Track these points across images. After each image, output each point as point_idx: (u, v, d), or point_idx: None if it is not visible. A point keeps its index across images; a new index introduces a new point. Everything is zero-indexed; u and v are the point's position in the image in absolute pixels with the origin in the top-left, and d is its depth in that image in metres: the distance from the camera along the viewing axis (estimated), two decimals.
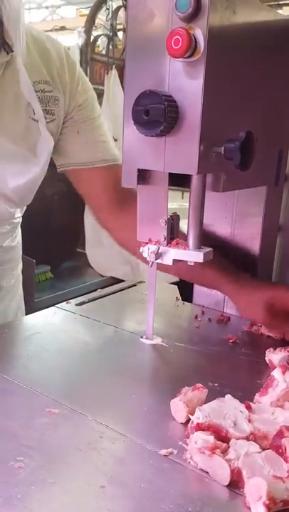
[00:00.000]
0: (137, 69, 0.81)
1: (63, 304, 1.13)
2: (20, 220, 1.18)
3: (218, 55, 0.76)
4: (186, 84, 0.76)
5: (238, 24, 0.81)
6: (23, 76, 0.94)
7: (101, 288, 1.29)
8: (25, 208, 1.15)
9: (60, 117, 1.05)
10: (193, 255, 0.88)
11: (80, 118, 1.08)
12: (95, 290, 1.27)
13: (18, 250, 1.25)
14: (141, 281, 1.34)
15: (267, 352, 0.87)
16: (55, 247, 2.77)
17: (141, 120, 0.76)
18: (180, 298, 1.25)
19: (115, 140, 3.29)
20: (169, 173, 0.85)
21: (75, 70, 1.06)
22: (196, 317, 1.12)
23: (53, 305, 1.12)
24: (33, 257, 2.35)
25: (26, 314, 1.25)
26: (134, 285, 1.32)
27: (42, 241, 2.43)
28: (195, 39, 0.73)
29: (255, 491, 0.54)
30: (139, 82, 0.79)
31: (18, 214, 1.14)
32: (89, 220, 3.05)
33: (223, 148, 0.78)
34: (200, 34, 0.73)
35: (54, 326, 1.03)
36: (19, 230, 1.22)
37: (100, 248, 2.98)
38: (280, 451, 0.60)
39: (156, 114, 0.75)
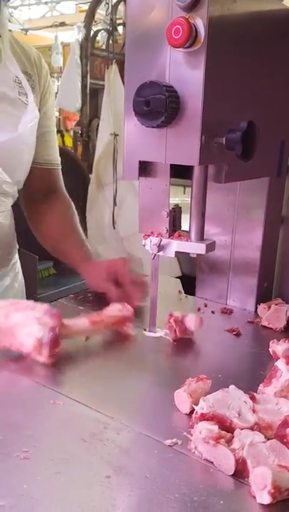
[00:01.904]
0: (137, 60, 0.80)
1: (66, 298, 1.13)
2: (12, 202, 1.20)
3: (219, 44, 0.75)
4: (187, 75, 0.75)
5: (238, 13, 0.80)
6: (9, 56, 1.05)
7: None
8: (16, 188, 1.16)
9: (37, 105, 1.14)
10: (196, 247, 0.87)
11: (41, 120, 1.16)
12: None
13: (11, 234, 1.27)
14: (144, 275, 1.34)
15: (271, 343, 0.87)
16: None
17: (142, 111, 0.76)
18: (183, 291, 1.25)
19: (116, 135, 3.30)
20: (171, 165, 0.84)
21: (47, 73, 1.20)
22: (198, 310, 1.12)
23: (55, 301, 1.13)
24: (36, 253, 2.35)
25: None
26: None
27: None
28: (195, 28, 0.72)
29: (260, 480, 0.54)
30: (140, 74, 0.79)
31: (11, 190, 1.14)
32: (91, 216, 3.05)
33: (224, 138, 0.78)
34: (200, 23, 0.72)
35: None
36: (11, 214, 1.24)
37: (102, 244, 2.97)
38: (285, 440, 0.60)
39: (157, 104, 0.75)
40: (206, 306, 1.15)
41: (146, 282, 1.08)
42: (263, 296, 1.13)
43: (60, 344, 0.83)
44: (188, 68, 0.75)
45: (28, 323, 0.82)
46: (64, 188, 1.32)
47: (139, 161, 0.84)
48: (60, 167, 1.30)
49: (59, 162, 1.28)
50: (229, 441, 0.60)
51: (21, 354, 0.82)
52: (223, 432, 0.61)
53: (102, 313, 0.94)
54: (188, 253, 0.90)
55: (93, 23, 3.40)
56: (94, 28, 3.45)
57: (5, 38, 1.05)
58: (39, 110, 1.16)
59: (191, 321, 0.93)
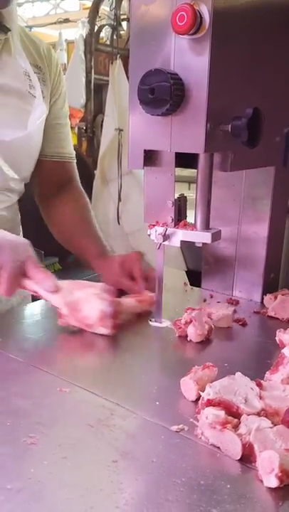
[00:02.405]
0: (142, 48, 0.80)
1: None
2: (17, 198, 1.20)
3: (224, 31, 0.75)
4: (192, 62, 0.75)
5: (243, 0, 0.80)
6: (19, 49, 1.04)
7: None
8: (23, 184, 1.16)
9: (48, 98, 1.13)
10: (201, 236, 0.87)
11: (52, 111, 1.16)
12: None
13: (17, 228, 1.27)
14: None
15: (277, 332, 0.87)
16: None
17: (146, 99, 0.76)
18: (188, 283, 1.25)
19: (121, 130, 3.30)
20: (176, 154, 0.84)
21: (58, 63, 1.18)
22: (204, 300, 1.12)
23: None
24: (41, 248, 2.35)
25: None
26: None
27: (50, 232, 2.44)
28: (200, 15, 0.72)
29: (268, 464, 0.54)
30: (145, 62, 0.79)
31: (17, 186, 1.14)
32: (96, 212, 3.05)
33: (230, 125, 0.78)
34: (205, 10, 0.72)
35: None
36: (17, 208, 1.24)
37: (107, 239, 2.97)
38: None
39: (162, 92, 0.74)
40: (211, 297, 1.15)
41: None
42: (269, 286, 1.13)
43: (120, 316, 0.92)
44: (193, 55, 0.75)
45: (90, 299, 0.90)
46: (79, 181, 1.30)
47: (144, 150, 0.84)
48: (75, 160, 1.27)
49: (73, 155, 1.26)
50: (236, 427, 0.60)
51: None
52: (230, 417, 0.61)
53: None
54: (193, 243, 0.90)
55: (97, 19, 3.39)
56: (98, 24, 3.45)
57: (14, 31, 1.04)
58: (50, 102, 1.15)
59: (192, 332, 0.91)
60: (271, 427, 0.59)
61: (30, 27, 7.41)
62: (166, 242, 0.89)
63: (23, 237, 1.31)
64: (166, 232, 0.88)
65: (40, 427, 0.62)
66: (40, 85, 1.10)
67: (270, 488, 0.53)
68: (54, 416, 0.65)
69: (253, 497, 0.52)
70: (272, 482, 0.53)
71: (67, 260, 2.89)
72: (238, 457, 0.58)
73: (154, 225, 0.90)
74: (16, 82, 1.04)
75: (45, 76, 1.13)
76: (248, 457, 0.57)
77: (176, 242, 0.89)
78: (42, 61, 1.13)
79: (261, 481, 0.54)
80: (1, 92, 1.01)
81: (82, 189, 1.32)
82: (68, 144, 1.25)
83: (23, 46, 1.09)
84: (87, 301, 0.90)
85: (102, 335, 0.89)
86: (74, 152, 1.27)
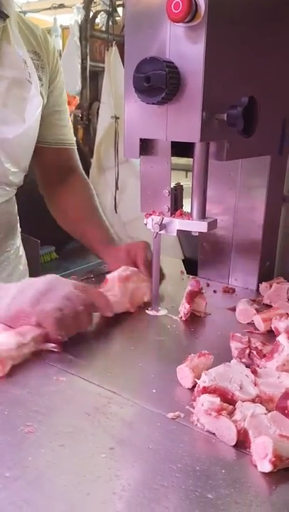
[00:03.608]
0: (137, 36, 0.79)
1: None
2: (15, 190, 1.20)
3: (220, 19, 0.74)
4: (187, 50, 0.74)
5: None
6: (17, 37, 1.03)
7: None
8: (22, 177, 1.16)
9: (46, 84, 1.13)
10: (198, 225, 0.87)
11: (50, 98, 1.15)
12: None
13: (14, 218, 1.27)
14: None
15: (273, 320, 0.88)
16: (59, 228, 2.77)
17: (142, 87, 0.75)
18: (185, 272, 1.25)
19: (117, 118, 3.27)
20: (172, 143, 0.84)
21: (55, 49, 1.17)
22: (201, 289, 1.12)
23: None
24: (38, 237, 2.35)
25: None
26: None
27: (46, 221, 2.44)
28: (195, 2, 0.71)
29: (262, 449, 0.55)
30: (140, 50, 0.78)
31: (16, 180, 1.14)
32: None
33: (225, 114, 0.77)
34: None
35: None
36: (14, 200, 1.24)
37: None
38: (286, 412, 0.60)
39: (157, 80, 0.74)
40: (208, 285, 1.15)
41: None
42: (265, 275, 1.13)
43: None
44: (188, 43, 0.74)
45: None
46: (81, 168, 1.30)
47: (140, 139, 0.84)
48: (76, 147, 1.27)
49: (73, 142, 1.25)
50: (231, 413, 0.61)
51: None
52: (225, 404, 0.61)
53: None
54: (190, 232, 0.90)
55: (92, 4, 3.35)
56: (93, 9, 3.40)
57: (12, 18, 1.03)
58: (48, 88, 1.14)
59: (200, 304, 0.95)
60: (266, 413, 0.60)
61: (25, 12, 7.29)
62: (162, 232, 0.89)
63: (20, 227, 1.31)
64: (163, 222, 0.88)
65: (38, 416, 0.63)
66: (38, 72, 1.09)
67: (264, 472, 0.54)
68: (51, 405, 0.66)
69: (247, 482, 0.53)
70: (266, 467, 0.54)
71: (64, 249, 2.89)
72: (233, 443, 0.59)
73: (150, 215, 0.90)
74: (15, 72, 1.02)
75: (43, 62, 1.12)
76: (242, 443, 0.58)
77: (172, 231, 0.89)
78: (40, 47, 1.12)
79: (255, 466, 0.55)
80: (2, 83, 1.00)
81: (86, 176, 1.31)
82: (68, 131, 1.24)
83: (21, 33, 1.07)
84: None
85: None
86: (74, 138, 1.26)
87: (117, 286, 0.95)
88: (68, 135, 1.23)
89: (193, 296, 0.96)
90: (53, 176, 1.25)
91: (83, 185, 1.28)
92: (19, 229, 1.31)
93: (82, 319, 0.82)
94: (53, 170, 1.25)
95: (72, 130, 1.26)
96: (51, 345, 0.79)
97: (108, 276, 0.98)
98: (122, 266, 1.02)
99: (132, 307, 0.96)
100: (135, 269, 1.01)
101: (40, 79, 1.09)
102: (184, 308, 0.95)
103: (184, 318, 0.94)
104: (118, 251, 1.12)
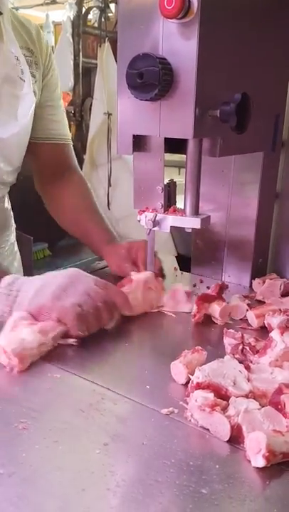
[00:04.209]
0: (130, 33, 0.79)
1: None
2: (8, 188, 1.19)
3: (213, 15, 0.74)
4: (180, 46, 0.74)
5: None
6: (10, 34, 1.01)
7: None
8: (15, 175, 1.15)
9: (39, 81, 1.12)
10: (191, 222, 0.88)
11: (44, 94, 1.14)
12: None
13: (8, 215, 1.26)
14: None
15: (266, 316, 0.88)
16: (52, 225, 2.76)
17: (135, 84, 0.75)
18: (178, 268, 1.26)
19: (110, 114, 3.26)
20: (165, 139, 0.84)
21: (48, 45, 1.16)
22: (194, 285, 1.13)
23: None
24: (31, 234, 2.34)
25: None
26: None
27: (39, 218, 2.43)
28: None
29: (255, 444, 0.55)
30: (133, 46, 0.78)
31: (10, 178, 1.13)
32: None
33: (218, 111, 0.77)
34: None
35: None
36: (8, 197, 1.24)
37: None
38: (279, 407, 0.61)
39: (150, 77, 0.74)
40: (201, 282, 1.16)
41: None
42: (258, 271, 1.14)
43: None
44: (181, 40, 0.74)
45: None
46: (77, 165, 1.28)
47: (133, 136, 0.84)
48: (71, 143, 1.25)
49: (68, 137, 1.24)
50: (224, 409, 0.61)
51: None
52: (219, 399, 0.62)
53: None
54: (183, 229, 0.90)
55: (85, 0, 3.33)
56: (85, 5, 3.39)
57: (5, 15, 1.02)
58: (42, 82, 1.13)
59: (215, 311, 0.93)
60: (259, 409, 0.61)
61: (17, 8, 7.25)
62: (155, 228, 0.89)
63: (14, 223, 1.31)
64: (156, 218, 0.88)
65: (32, 412, 0.63)
66: (31, 69, 1.08)
67: (257, 468, 0.54)
68: (45, 401, 0.66)
69: (241, 477, 0.53)
70: (260, 462, 0.54)
71: (56, 246, 2.88)
72: (227, 438, 0.59)
73: (143, 211, 0.90)
74: (8, 69, 1.01)
75: (37, 59, 1.11)
76: (236, 438, 0.59)
77: (165, 227, 0.89)
78: (33, 44, 1.11)
79: (249, 461, 0.55)
80: None
81: (82, 173, 1.30)
82: (63, 126, 1.23)
83: (14, 29, 1.06)
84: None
85: None
86: (69, 135, 1.24)
87: (140, 292, 0.94)
88: (62, 130, 1.22)
89: (204, 299, 0.92)
90: (49, 173, 1.24)
91: (80, 184, 1.26)
92: (13, 225, 1.31)
93: (102, 315, 0.82)
94: (48, 166, 1.24)
95: (67, 126, 1.25)
96: (71, 340, 0.80)
97: (134, 277, 0.96)
98: (122, 264, 1.03)
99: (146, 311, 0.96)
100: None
101: (33, 75, 1.08)
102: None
103: (193, 320, 0.92)
104: (118, 250, 1.12)
